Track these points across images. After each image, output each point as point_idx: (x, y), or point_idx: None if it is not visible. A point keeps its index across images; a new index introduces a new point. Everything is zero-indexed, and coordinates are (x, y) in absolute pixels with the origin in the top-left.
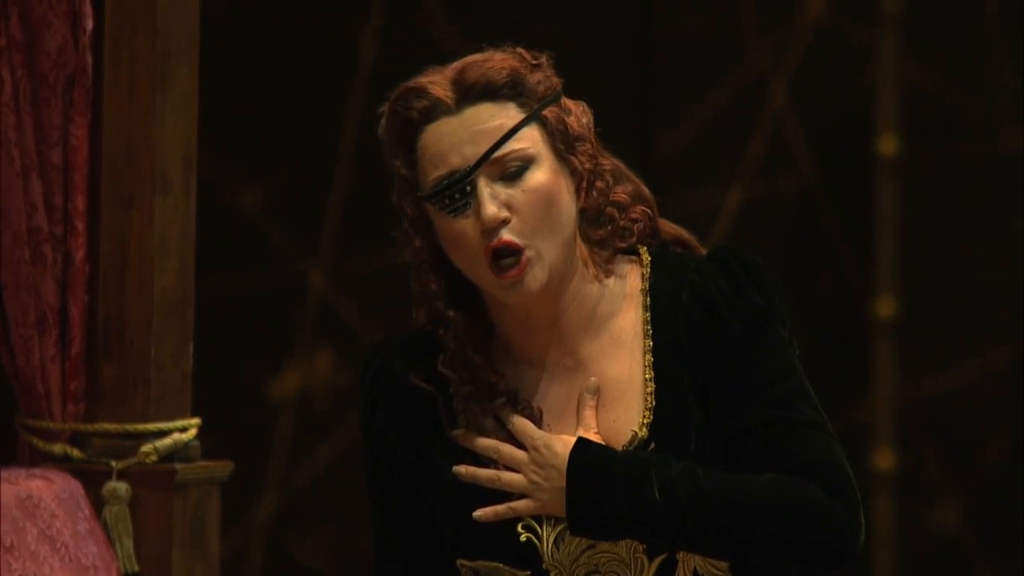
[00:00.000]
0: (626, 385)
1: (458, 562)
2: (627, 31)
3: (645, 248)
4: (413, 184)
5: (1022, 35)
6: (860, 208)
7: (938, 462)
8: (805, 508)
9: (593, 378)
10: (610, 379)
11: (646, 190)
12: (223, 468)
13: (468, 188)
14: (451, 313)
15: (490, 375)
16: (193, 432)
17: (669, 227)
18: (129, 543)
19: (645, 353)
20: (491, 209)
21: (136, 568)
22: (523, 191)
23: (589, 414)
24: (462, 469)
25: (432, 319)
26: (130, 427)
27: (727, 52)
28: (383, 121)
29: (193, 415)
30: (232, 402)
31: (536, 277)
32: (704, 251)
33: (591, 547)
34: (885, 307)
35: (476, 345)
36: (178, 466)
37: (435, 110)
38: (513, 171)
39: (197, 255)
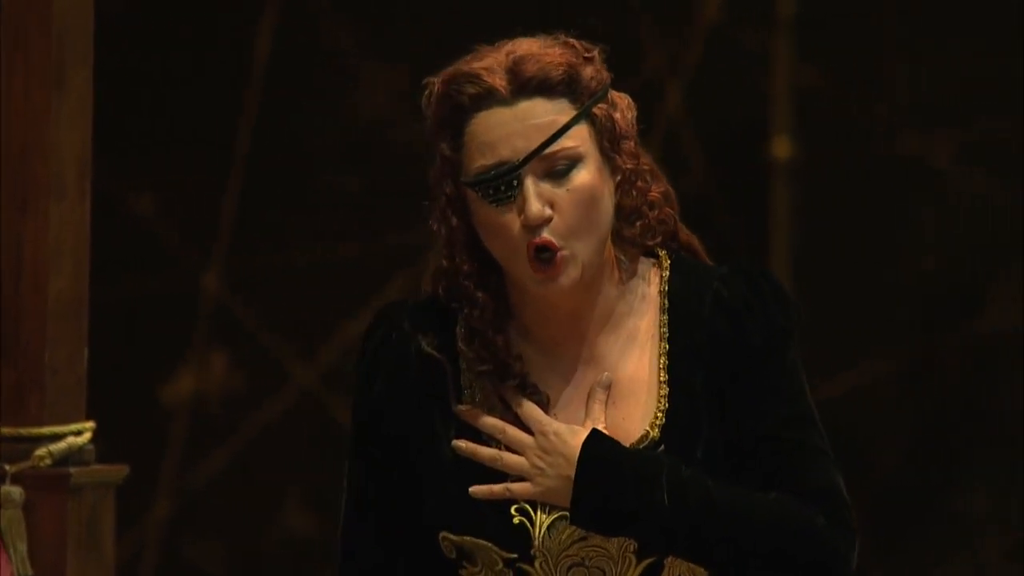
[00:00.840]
0: (638, 384)
1: (441, 535)
2: (523, 34)
3: (665, 252)
4: (456, 166)
5: (915, 38)
6: (754, 211)
7: None
8: (807, 530)
9: (607, 373)
10: (623, 376)
11: (672, 191)
12: (118, 472)
13: (515, 182)
14: (480, 294)
15: (507, 356)
16: (88, 436)
17: (683, 232)
18: (23, 547)
19: (660, 355)
20: (536, 207)
21: (30, 572)
22: (568, 191)
23: (598, 407)
24: (462, 444)
25: (457, 296)
26: (24, 431)
27: (623, 56)
28: (431, 99)
29: (88, 419)
30: (127, 405)
31: (569, 276)
32: (709, 261)
33: (583, 539)
34: None
35: (497, 326)
36: (73, 470)
37: (488, 98)
38: (561, 169)
39: (92, 259)
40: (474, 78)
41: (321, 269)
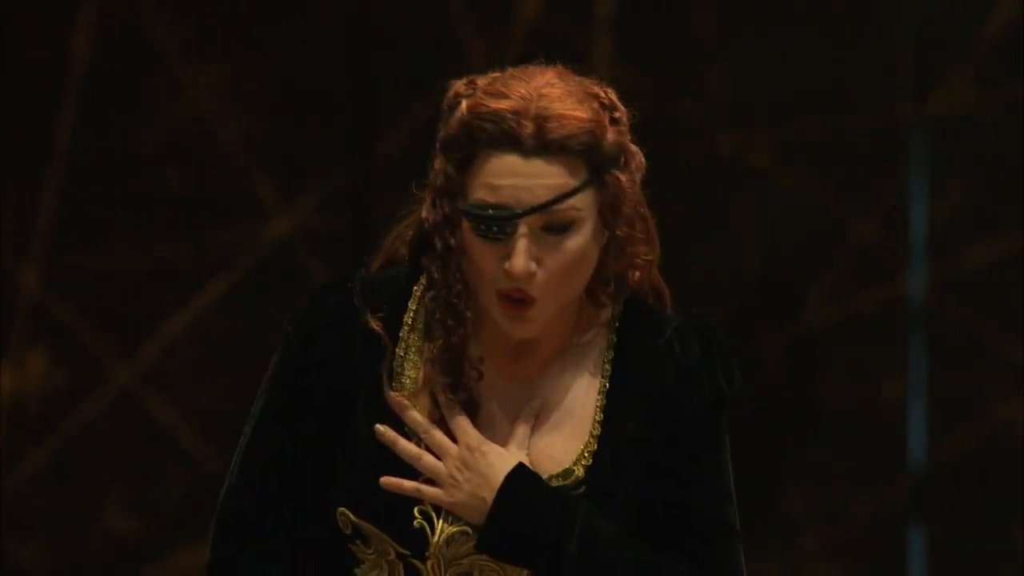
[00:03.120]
0: (571, 416)
1: (340, 510)
2: (345, 33)
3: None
4: (458, 186)
5: (733, 37)
6: None
7: None
8: None
9: (538, 400)
10: (557, 405)
11: (657, 248)
12: None
13: (509, 229)
14: (468, 314)
15: (475, 378)
16: None
17: (656, 281)
18: None
19: (599, 393)
20: (523, 264)
21: None
22: (558, 251)
23: (523, 431)
24: (384, 430)
25: (444, 310)
26: None
27: (445, 54)
28: (450, 109)
29: None
30: None
31: (534, 325)
32: (669, 310)
33: (480, 553)
34: None
35: (464, 316)
36: None
37: (506, 143)
38: (557, 227)
39: None
40: (499, 120)
41: (141, 268)
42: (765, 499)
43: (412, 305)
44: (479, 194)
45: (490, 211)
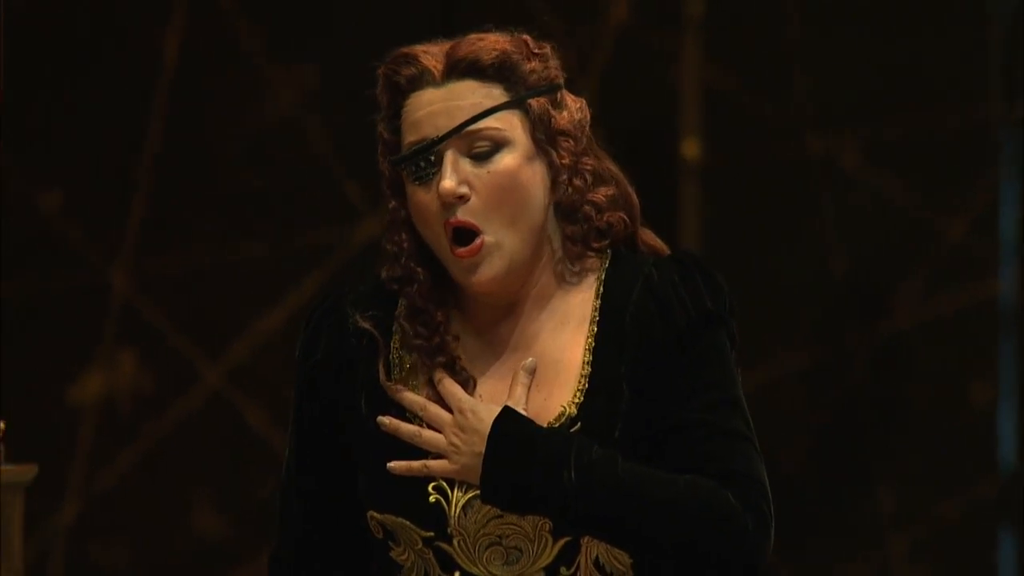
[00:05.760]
0: (563, 367)
1: (369, 514)
2: (432, 34)
3: (611, 250)
4: (393, 148)
5: (822, 38)
6: (663, 211)
7: None
8: (714, 513)
9: (531, 358)
10: (550, 359)
11: (634, 198)
12: (26, 472)
13: (433, 158)
14: (419, 269)
15: (444, 334)
16: None
17: (650, 238)
18: None
19: (588, 337)
20: (449, 183)
21: None
22: (488, 172)
23: (521, 391)
24: (386, 420)
25: (399, 275)
26: None
27: None
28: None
29: None
30: (35, 405)
31: (493, 266)
32: None
33: (498, 517)
34: None
35: (437, 302)
36: None
37: (421, 79)
38: (483, 151)
39: None
40: (411, 59)
41: (230, 269)
42: (854, 500)
43: (403, 302)
44: (406, 139)
45: (413, 148)
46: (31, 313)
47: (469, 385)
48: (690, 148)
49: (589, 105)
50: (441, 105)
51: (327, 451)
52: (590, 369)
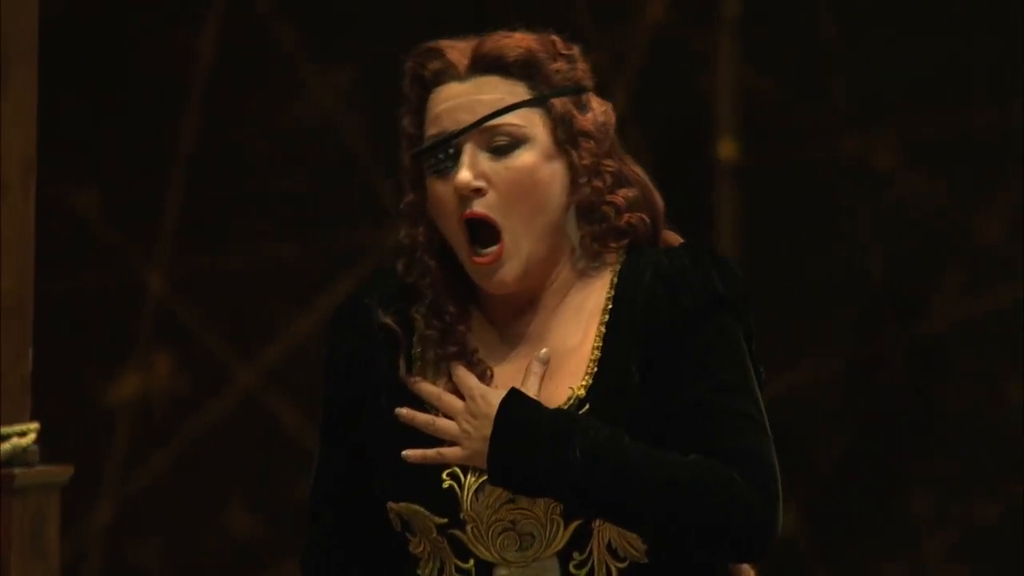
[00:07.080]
0: (575, 355)
1: (387, 505)
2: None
3: (630, 245)
4: (415, 142)
5: (858, 39)
6: (699, 212)
7: None
8: (720, 491)
9: (545, 349)
10: (563, 349)
11: (658, 201)
12: (63, 473)
13: (452, 151)
14: (432, 263)
15: (459, 326)
16: (32, 437)
17: (673, 239)
18: None
19: (599, 325)
20: (465, 175)
21: None
22: (506, 167)
23: (533, 381)
24: (403, 411)
25: (414, 268)
26: None
27: None
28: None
29: (31, 419)
30: (71, 406)
31: (511, 270)
32: None
33: (510, 501)
34: None
35: (452, 296)
36: (17, 471)
37: (445, 73)
38: (502, 145)
39: (35, 257)
40: (437, 53)
41: (265, 270)
42: (891, 501)
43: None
44: (428, 131)
45: (433, 140)
46: (67, 314)
47: (486, 376)
48: (725, 148)
49: (624, 105)
50: (463, 99)
51: (354, 450)
52: (599, 354)
